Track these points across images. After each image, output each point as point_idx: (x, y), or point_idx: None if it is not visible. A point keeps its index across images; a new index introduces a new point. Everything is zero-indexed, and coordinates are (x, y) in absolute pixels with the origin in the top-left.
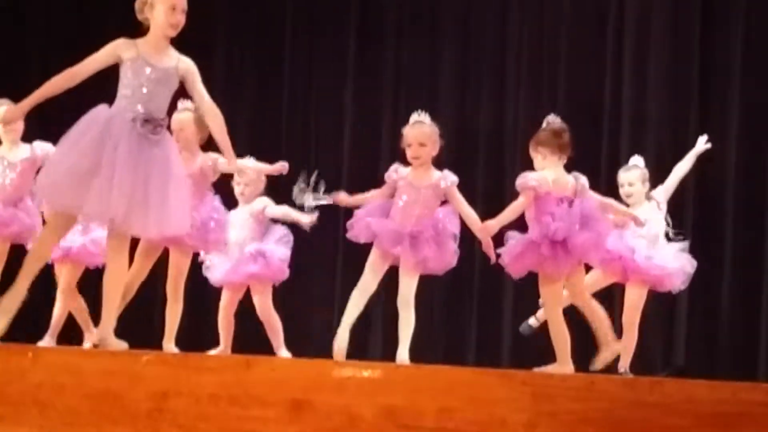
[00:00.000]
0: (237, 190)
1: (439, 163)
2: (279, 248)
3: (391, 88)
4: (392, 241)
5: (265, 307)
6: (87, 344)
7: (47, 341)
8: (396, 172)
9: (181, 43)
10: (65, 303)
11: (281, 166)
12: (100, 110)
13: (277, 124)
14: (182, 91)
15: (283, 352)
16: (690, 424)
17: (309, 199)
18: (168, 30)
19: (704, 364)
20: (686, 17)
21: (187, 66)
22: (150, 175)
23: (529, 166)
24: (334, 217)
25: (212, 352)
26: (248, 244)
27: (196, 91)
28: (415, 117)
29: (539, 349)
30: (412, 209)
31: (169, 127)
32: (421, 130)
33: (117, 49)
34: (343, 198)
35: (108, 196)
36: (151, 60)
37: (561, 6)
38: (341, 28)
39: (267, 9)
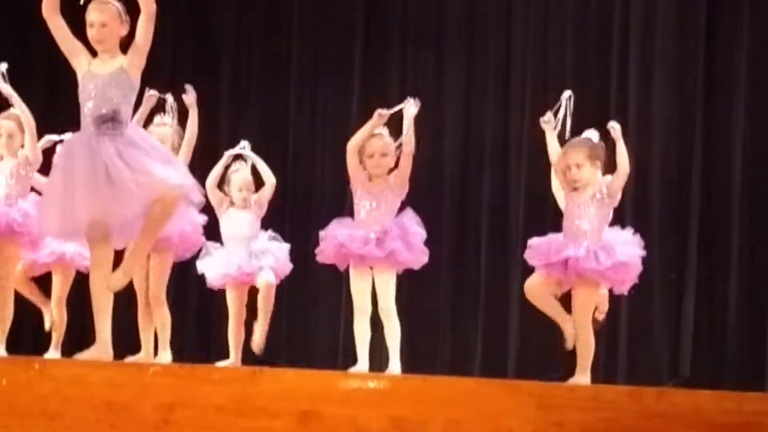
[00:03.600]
0: (238, 195)
1: (443, 172)
2: (279, 245)
3: (396, 98)
4: (359, 243)
5: (269, 305)
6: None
7: (52, 353)
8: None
9: (188, 55)
10: (62, 312)
11: None
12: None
13: (284, 135)
14: (160, 107)
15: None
16: None
17: None
18: (96, 45)
19: (710, 375)
20: (691, 24)
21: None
22: (108, 172)
23: (534, 175)
24: None
25: (221, 364)
26: (249, 243)
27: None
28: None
29: (544, 360)
30: (374, 216)
31: None
32: (382, 141)
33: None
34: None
35: (71, 211)
36: (96, 71)
37: (566, 15)
38: (347, 40)
39: (273, 20)
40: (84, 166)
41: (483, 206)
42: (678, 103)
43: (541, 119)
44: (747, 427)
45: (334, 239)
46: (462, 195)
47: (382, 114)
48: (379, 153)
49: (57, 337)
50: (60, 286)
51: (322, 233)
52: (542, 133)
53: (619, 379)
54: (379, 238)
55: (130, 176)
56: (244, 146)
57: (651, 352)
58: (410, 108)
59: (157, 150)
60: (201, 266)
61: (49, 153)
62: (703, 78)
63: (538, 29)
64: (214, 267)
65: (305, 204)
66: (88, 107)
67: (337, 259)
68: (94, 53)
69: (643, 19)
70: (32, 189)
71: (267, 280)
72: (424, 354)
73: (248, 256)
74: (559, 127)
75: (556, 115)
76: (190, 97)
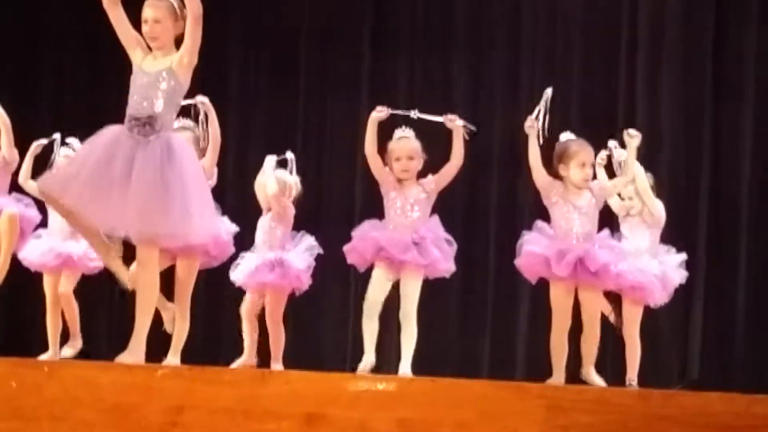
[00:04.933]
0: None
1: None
2: (301, 258)
3: (404, 101)
4: (401, 248)
5: (274, 315)
6: (66, 352)
7: (67, 351)
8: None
9: (197, 59)
10: (71, 309)
11: None
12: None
13: (292, 138)
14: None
15: (277, 365)
16: None
17: None
18: (149, 42)
19: (718, 377)
20: (699, 32)
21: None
22: (129, 177)
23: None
24: (348, 230)
25: (236, 363)
26: (268, 250)
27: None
28: (399, 132)
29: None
30: (405, 222)
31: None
32: (409, 144)
33: (138, 45)
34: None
35: (65, 178)
36: (146, 68)
37: (574, 21)
38: (355, 43)
39: (281, 24)
40: (98, 157)
41: (491, 210)
42: (686, 106)
43: (526, 124)
44: (755, 429)
45: (374, 241)
46: (471, 199)
47: (379, 110)
48: (406, 156)
49: (74, 334)
50: (66, 285)
51: (355, 232)
52: (549, 137)
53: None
54: (417, 243)
55: (120, 200)
56: (285, 157)
57: (659, 355)
58: (457, 122)
59: (164, 179)
60: (233, 276)
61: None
62: (712, 81)
63: (545, 34)
64: (236, 272)
65: (314, 210)
66: (131, 104)
67: (370, 261)
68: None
69: (651, 23)
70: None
71: None
72: (433, 357)
73: (263, 265)
74: (539, 125)
75: (544, 118)
76: (204, 105)
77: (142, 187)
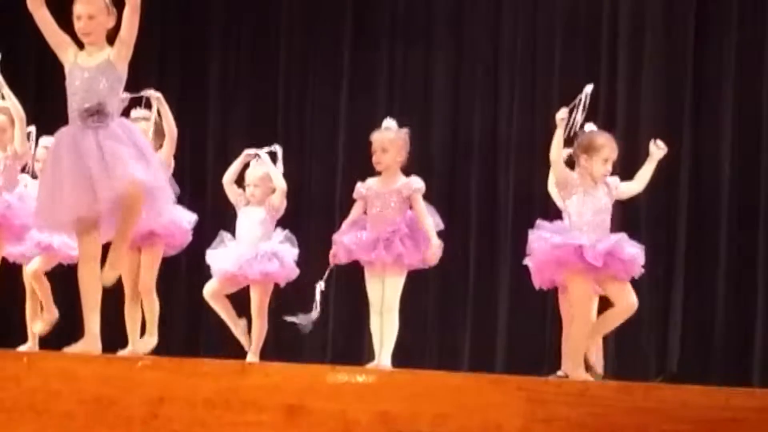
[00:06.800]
0: (248, 191)
1: (432, 168)
2: (289, 249)
3: (385, 95)
4: (367, 249)
5: (262, 307)
6: (37, 327)
7: (38, 326)
8: (363, 186)
9: (176, 54)
10: (43, 285)
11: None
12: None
13: (272, 131)
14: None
15: (253, 357)
16: (684, 430)
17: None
18: (83, 38)
19: (698, 370)
20: (680, 24)
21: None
22: (89, 163)
23: (522, 173)
24: (330, 223)
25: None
26: (259, 242)
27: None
28: (384, 124)
29: (534, 355)
30: (384, 215)
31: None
32: (384, 136)
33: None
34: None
35: (59, 204)
36: (83, 64)
37: (554, 13)
38: (336, 36)
39: (262, 17)
40: (69, 160)
41: (471, 204)
42: (666, 101)
43: (558, 115)
44: (734, 422)
45: (344, 245)
46: (450, 192)
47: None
48: (380, 148)
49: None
50: (39, 266)
51: (334, 236)
52: (530, 130)
53: (607, 375)
54: (388, 239)
55: (103, 170)
56: (273, 150)
57: (639, 347)
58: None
59: (135, 145)
60: (209, 256)
61: None
62: (692, 76)
63: (527, 28)
64: (220, 259)
65: (294, 202)
66: (75, 101)
67: (351, 261)
68: (81, 46)
69: (633, 17)
70: None
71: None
72: (413, 350)
73: (255, 257)
74: (580, 120)
75: (571, 112)
76: (157, 100)
77: (115, 149)
